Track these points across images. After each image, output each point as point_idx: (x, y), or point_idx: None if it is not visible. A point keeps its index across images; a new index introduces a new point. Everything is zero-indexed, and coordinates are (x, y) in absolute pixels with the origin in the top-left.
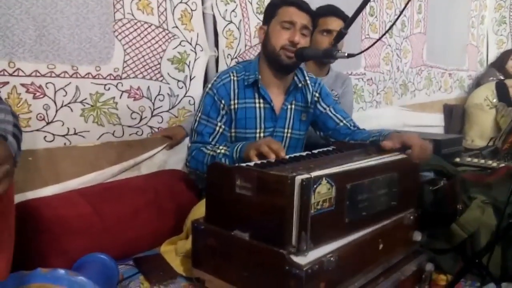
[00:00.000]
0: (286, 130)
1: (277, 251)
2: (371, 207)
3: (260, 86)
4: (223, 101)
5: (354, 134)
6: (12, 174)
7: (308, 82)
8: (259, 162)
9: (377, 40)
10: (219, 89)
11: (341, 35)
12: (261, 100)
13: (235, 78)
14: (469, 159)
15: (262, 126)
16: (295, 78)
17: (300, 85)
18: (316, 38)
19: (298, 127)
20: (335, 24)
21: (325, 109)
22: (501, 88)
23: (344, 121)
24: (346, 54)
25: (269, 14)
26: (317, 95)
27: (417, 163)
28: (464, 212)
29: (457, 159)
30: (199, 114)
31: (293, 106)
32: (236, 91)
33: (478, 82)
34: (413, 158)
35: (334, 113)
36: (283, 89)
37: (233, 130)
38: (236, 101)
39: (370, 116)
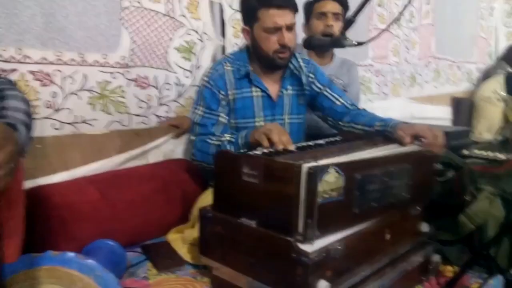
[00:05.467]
0: (285, 117)
1: (284, 239)
2: (382, 199)
3: (252, 78)
4: (222, 92)
5: (354, 115)
6: (15, 170)
7: (302, 65)
8: (266, 150)
9: (385, 28)
10: (216, 80)
11: (349, 22)
12: (257, 89)
13: (229, 69)
14: (477, 151)
15: (261, 114)
16: (290, 65)
17: (295, 71)
18: (313, 23)
19: (297, 112)
20: (329, 6)
21: (320, 89)
22: (510, 81)
23: (341, 100)
24: (355, 42)
25: (250, 17)
26: (311, 75)
27: (432, 156)
28: (472, 204)
29: (465, 151)
30: (200, 108)
31: (289, 92)
32: (232, 81)
33: (486, 75)
34: (427, 146)
35: (331, 92)
36: (278, 77)
37: (233, 121)
38: (233, 91)
39: (377, 108)
